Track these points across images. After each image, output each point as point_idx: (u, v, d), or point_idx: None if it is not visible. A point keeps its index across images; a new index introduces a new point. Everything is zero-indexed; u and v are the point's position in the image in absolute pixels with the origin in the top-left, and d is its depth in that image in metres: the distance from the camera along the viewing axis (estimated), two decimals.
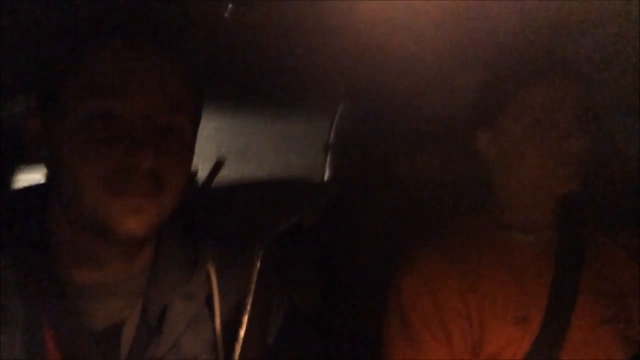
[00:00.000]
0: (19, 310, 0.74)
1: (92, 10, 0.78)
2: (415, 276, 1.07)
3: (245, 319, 0.79)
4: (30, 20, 0.77)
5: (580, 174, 1.05)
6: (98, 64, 0.76)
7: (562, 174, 1.04)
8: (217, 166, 1.15)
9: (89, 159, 0.74)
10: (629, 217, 1.18)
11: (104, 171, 0.74)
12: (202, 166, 1.13)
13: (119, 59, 0.76)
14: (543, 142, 1.04)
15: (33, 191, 0.85)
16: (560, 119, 1.04)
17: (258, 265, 0.82)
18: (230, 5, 0.85)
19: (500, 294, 1.04)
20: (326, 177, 1.61)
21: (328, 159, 1.62)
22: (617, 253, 1.12)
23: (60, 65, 0.76)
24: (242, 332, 0.78)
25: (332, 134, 1.59)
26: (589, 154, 1.05)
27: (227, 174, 1.18)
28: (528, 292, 1.05)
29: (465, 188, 1.21)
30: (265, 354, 0.85)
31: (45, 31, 0.77)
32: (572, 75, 1.06)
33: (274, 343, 0.89)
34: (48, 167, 0.80)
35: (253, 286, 0.81)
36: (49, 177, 0.81)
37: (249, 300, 0.80)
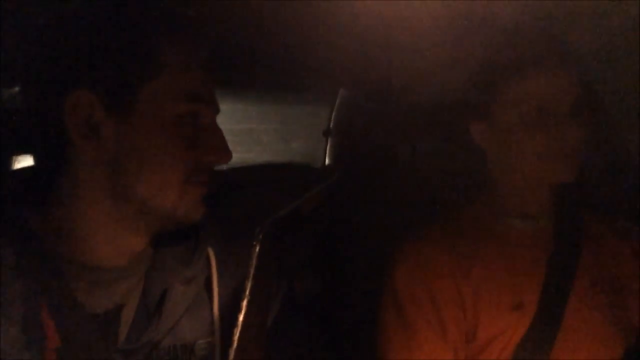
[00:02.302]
0: (17, 294, 0.74)
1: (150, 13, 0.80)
2: (409, 264, 1.07)
3: (245, 303, 0.79)
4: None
5: (576, 164, 1.04)
6: (186, 69, 0.80)
7: (557, 165, 1.03)
8: None
9: (177, 154, 0.79)
10: (627, 207, 1.18)
11: (191, 166, 0.80)
12: None
13: (201, 66, 0.82)
14: (537, 132, 1.03)
15: (31, 173, 0.85)
16: (556, 108, 1.02)
17: (257, 249, 0.82)
18: None
19: (495, 280, 1.04)
20: (327, 162, 1.62)
21: (328, 144, 1.62)
22: (614, 242, 1.12)
23: (133, 66, 0.77)
24: (241, 317, 0.79)
25: (332, 120, 1.59)
26: (585, 144, 1.03)
27: None
28: (524, 279, 1.05)
29: (462, 177, 1.21)
30: (264, 339, 0.86)
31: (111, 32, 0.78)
32: (567, 63, 1.05)
33: (273, 328, 0.89)
34: (94, 158, 0.79)
35: (252, 270, 0.81)
36: (95, 166, 0.79)
37: (248, 285, 0.80)
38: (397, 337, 1.04)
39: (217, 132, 0.84)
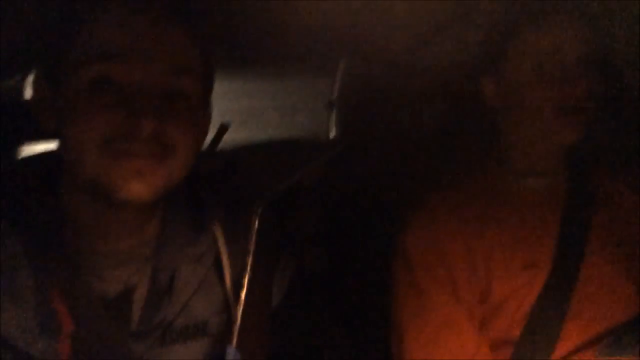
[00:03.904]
0: (29, 280, 0.75)
1: None
2: (420, 228, 1.07)
3: (246, 280, 0.79)
4: None
5: (585, 120, 1.02)
6: (98, 30, 0.75)
7: (565, 121, 1.02)
8: (222, 130, 1.14)
9: (89, 125, 0.73)
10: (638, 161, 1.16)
11: (104, 137, 0.73)
12: None
13: (119, 23, 0.76)
14: (545, 87, 1.02)
15: (43, 159, 0.85)
16: (563, 62, 1.01)
17: (256, 224, 0.81)
18: None
19: (508, 240, 1.04)
20: (332, 134, 1.61)
21: (333, 116, 1.61)
22: (627, 197, 1.11)
23: (61, 32, 0.75)
24: (243, 294, 0.79)
25: (335, 91, 1.58)
26: (595, 98, 1.02)
27: (231, 136, 1.17)
28: (537, 238, 1.04)
29: (470, 139, 1.20)
30: (271, 314, 0.86)
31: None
32: (574, 17, 1.03)
33: (281, 303, 0.90)
34: (57, 136, 0.79)
35: (252, 247, 0.81)
36: (59, 146, 0.80)
37: (249, 261, 0.80)
38: (410, 301, 1.04)
39: (135, 96, 0.74)
